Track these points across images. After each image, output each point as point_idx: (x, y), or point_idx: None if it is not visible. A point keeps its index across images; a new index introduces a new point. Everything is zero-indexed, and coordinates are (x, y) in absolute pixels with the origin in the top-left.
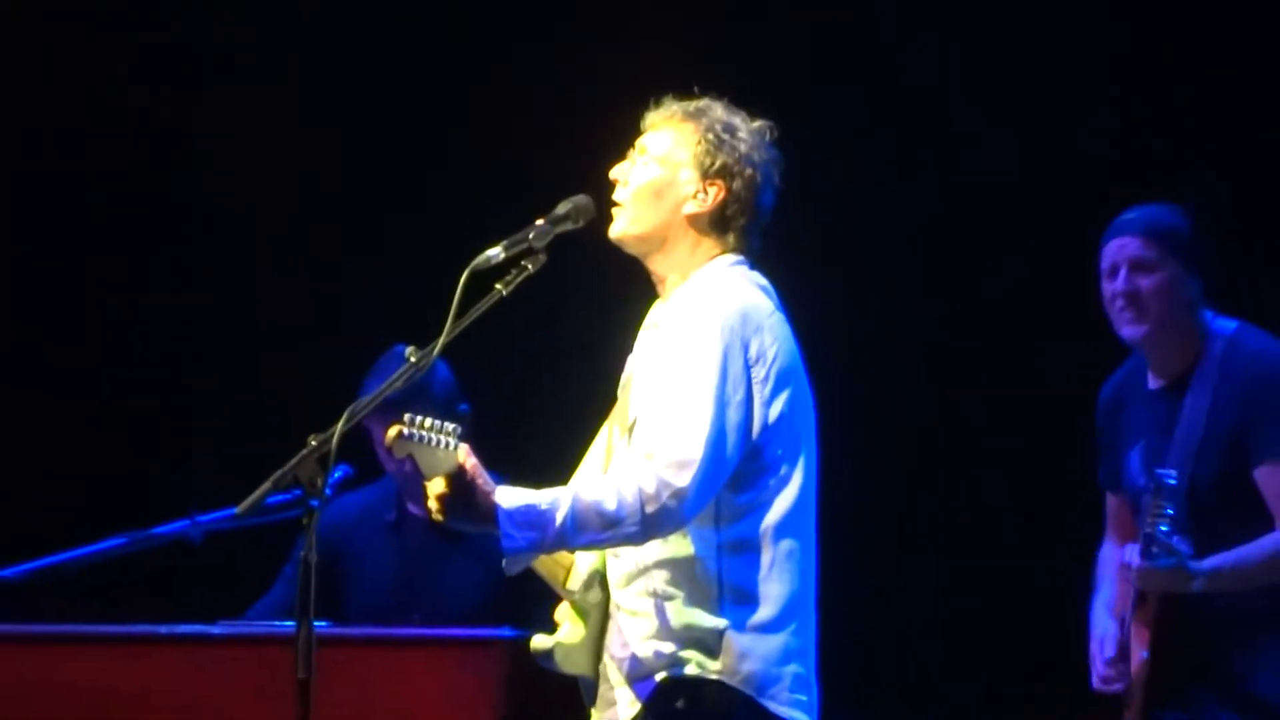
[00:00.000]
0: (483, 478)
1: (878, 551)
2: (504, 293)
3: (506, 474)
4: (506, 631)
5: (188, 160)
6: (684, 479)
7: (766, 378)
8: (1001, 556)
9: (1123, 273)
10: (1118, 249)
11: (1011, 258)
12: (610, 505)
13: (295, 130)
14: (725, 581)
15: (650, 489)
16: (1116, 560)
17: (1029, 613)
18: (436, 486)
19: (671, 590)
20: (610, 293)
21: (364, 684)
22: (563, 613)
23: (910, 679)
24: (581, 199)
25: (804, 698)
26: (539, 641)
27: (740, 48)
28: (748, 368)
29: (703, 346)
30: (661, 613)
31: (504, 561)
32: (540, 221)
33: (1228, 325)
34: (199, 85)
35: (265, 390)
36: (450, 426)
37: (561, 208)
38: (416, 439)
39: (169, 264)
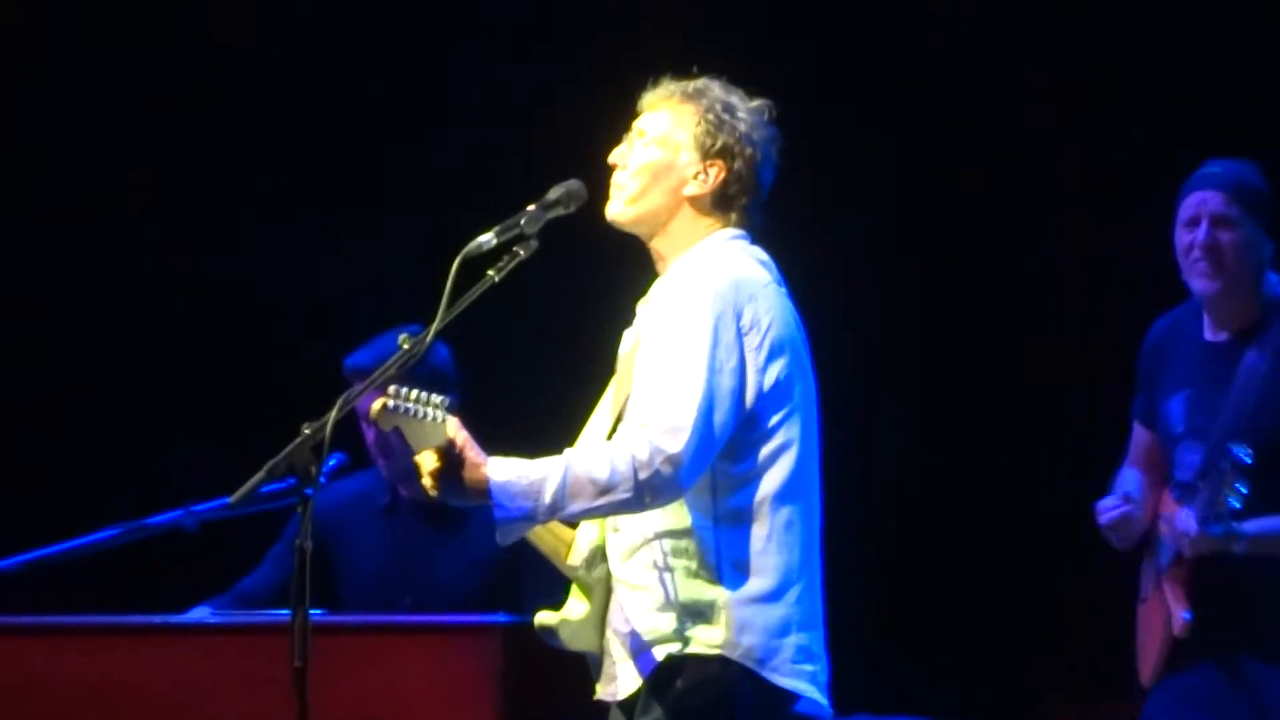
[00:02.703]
0: (473, 449)
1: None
2: (496, 279)
3: (505, 452)
4: (502, 617)
5: (189, 153)
6: (676, 444)
7: (760, 345)
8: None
9: (1204, 225)
10: (1200, 202)
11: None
12: (603, 473)
13: (295, 111)
14: (724, 553)
15: (644, 455)
16: (1134, 479)
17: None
18: (427, 461)
19: (671, 563)
20: (611, 271)
21: (360, 671)
22: (568, 590)
23: (919, 652)
24: (573, 184)
25: (810, 668)
26: (544, 618)
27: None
28: (740, 335)
29: (694, 315)
30: (661, 586)
31: (497, 532)
32: (531, 207)
33: None
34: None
35: (259, 378)
36: (438, 399)
37: (553, 193)
38: (402, 410)
39: (165, 253)
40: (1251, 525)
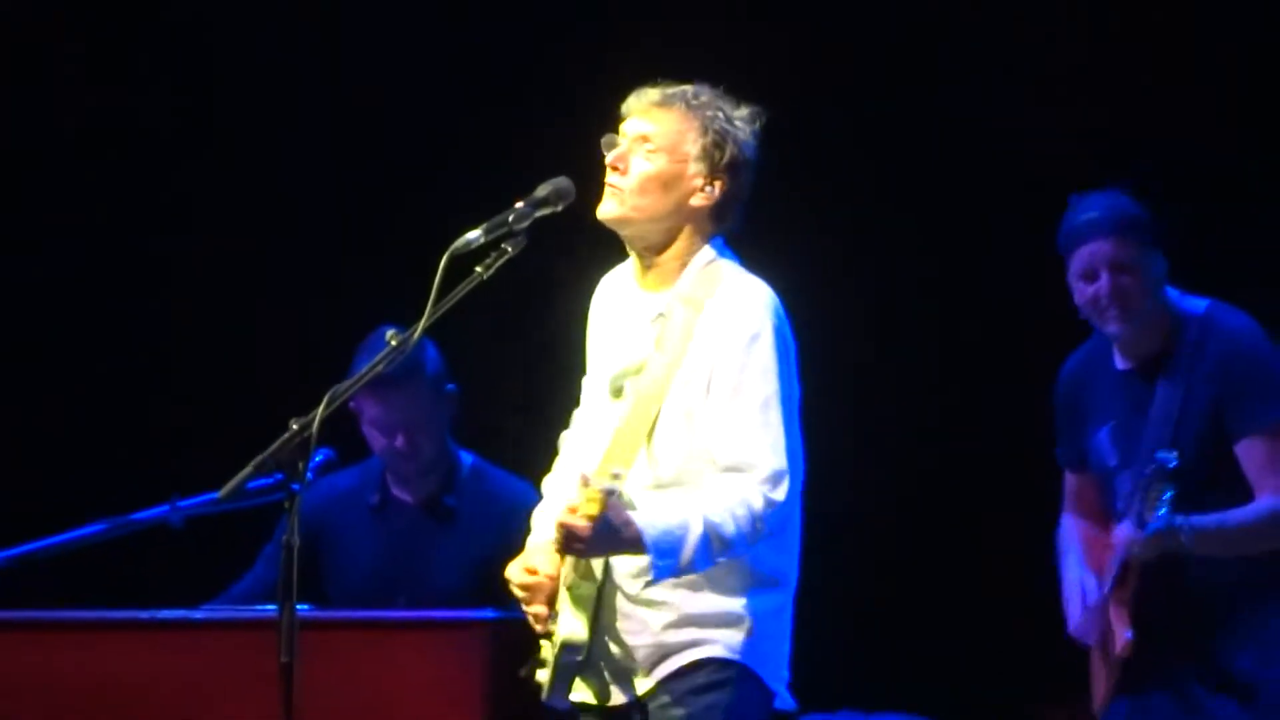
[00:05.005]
0: (618, 512)
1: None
2: (484, 275)
3: (493, 450)
4: (489, 613)
5: (186, 153)
6: (782, 493)
7: (794, 362)
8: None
9: (1104, 276)
10: (1091, 254)
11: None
12: (729, 529)
13: (294, 122)
14: (755, 569)
15: (759, 507)
16: (1077, 532)
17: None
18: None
19: (699, 580)
20: (592, 269)
21: (347, 666)
22: (559, 602)
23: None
24: (562, 181)
25: (785, 675)
26: (543, 676)
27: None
28: (792, 362)
29: (762, 353)
30: (688, 600)
31: (652, 583)
32: (520, 204)
33: (1198, 304)
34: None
35: (247, 374)
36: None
37: (541, 190)
38: None
39: (156, 251)
40: (1195, 519)
